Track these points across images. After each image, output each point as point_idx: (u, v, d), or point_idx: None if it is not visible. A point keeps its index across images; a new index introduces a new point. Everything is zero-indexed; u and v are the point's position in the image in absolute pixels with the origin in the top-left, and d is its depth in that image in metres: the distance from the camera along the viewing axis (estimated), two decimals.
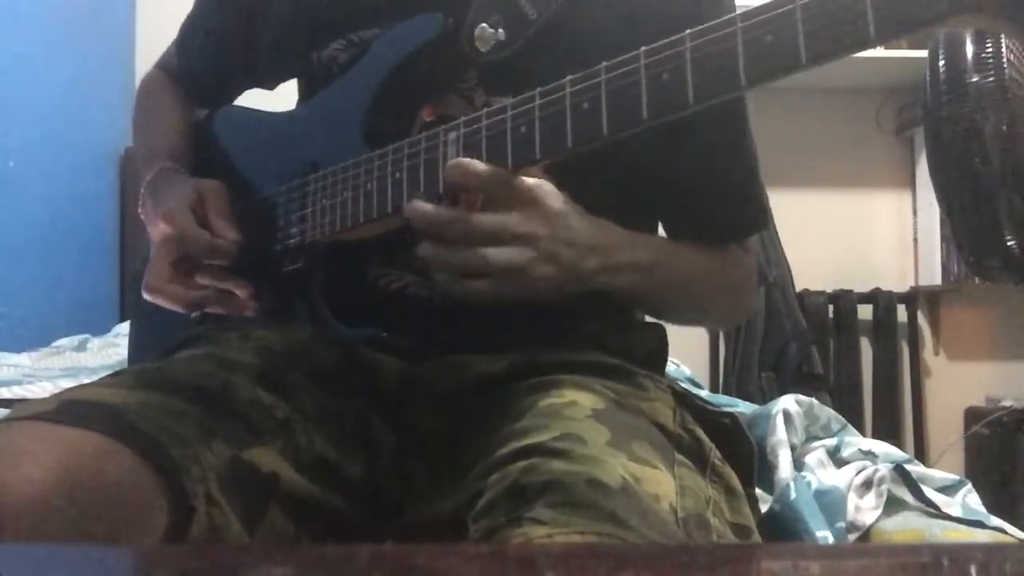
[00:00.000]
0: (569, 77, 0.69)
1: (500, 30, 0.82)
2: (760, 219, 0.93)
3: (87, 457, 0.56)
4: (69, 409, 0.60)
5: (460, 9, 0.83)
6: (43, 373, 1.81)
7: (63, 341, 2.21)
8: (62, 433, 0.58)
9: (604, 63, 0.68)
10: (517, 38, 0.82)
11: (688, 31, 0.64)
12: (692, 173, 0.88)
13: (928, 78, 2.13)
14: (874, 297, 3.17)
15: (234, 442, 0.64)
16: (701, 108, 0.64)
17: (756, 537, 0.71)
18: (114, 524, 0.55)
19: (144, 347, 1.06)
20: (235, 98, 1.08)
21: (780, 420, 1.05)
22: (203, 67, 1.07)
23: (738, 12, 0.62)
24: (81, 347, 2.17)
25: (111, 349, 2.10)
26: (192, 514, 0.58)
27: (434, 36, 0.83)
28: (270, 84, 1.07)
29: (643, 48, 0.66)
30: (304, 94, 0.99)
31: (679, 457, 0.68)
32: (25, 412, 0.61)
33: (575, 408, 0.67)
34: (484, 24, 0.82)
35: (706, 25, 0.63)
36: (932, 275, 3.12)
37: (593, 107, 0.68)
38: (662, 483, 0.62)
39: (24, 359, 1.99)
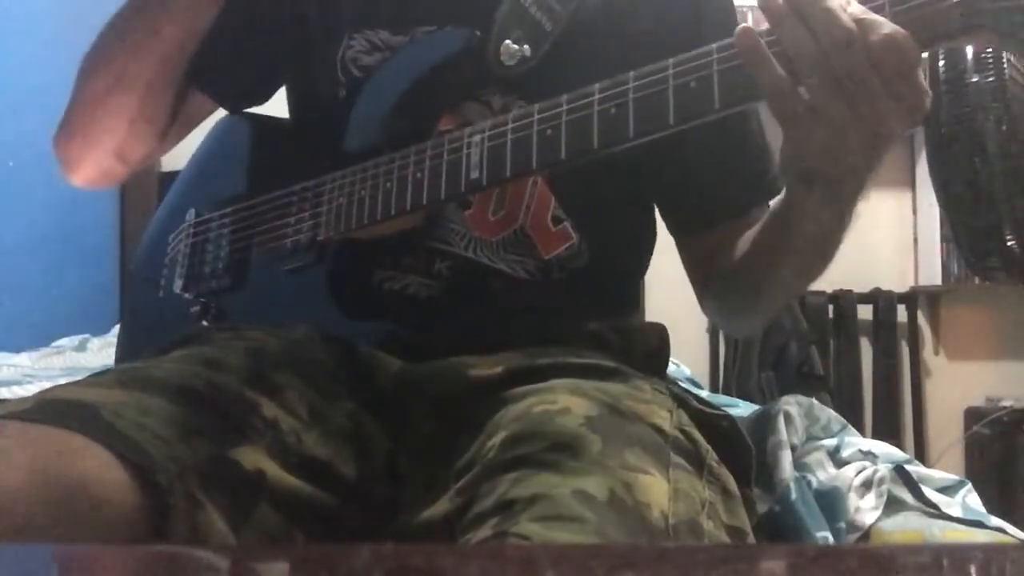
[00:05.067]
0: (597, 84, 0.72)
1: (525, 46, 0.85)
2: (772, 186, 0.94)
3: (60, 455, 0.56)
4: (45, 408, 0.60)
5: (485, 23, 0.86)
6: (43, 373, 1.81)
7: (63, 341, 2.21)
8: (36, 431, 0.57)
9: (632, 72, 0.71)
10: (538, 51, 0.85)
11: (715, 44, 0.68)
12: (697, 146, 0.89)
13: (928, 78, 2.13)
14: (874, 297, 3.17)
15: (217, 441, 0.64)
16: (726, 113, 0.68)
17: (751, 540, 0.71)
18: (88, 522, 0.55)
19: (133, 348, 1.05)
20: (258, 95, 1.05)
21: (780, 420, 1.05)
22: (227, 61, 1.00)
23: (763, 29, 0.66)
24: (81, 347, 2.17)
25: (111, 349, 2.09)
26: (170, 512, 0.58)
27: (462, 50, 0.85)
28: (287, 83, 1.03)
29: (671, 59, 0.70)
30: (321, 94, 0.96)
31: (675, 459, 0.68)
32: (2, 411, 0.60)
33: (568, 416, 0.67)
34: (508, 40, 0.85)
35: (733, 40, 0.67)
36: (932, 275, 3.12)
37: (620, 112, 0.71)
38: (654, 489, 0.62)
39: (24, 359, 1.98)
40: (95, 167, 0.98)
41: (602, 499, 0.58)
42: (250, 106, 1.04)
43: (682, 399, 0.80)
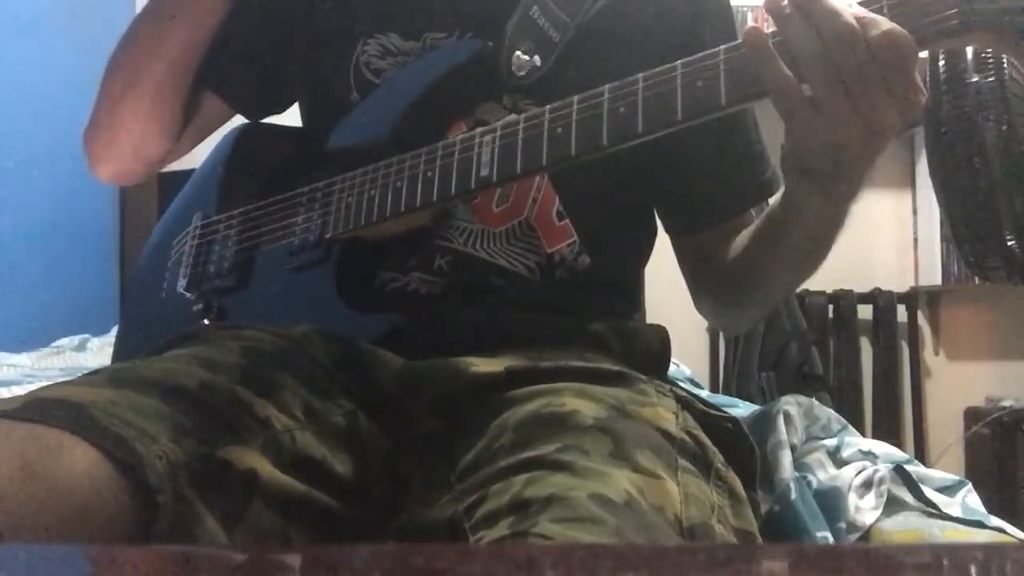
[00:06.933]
0: (607, 86, 0.75)
1: (536, 57, 0.88)
2: (767, 187, 0.96)
3: (45, 452, 0.56)
4: (34, 406, 0.60)
5: (495, 33, 0.89)
6: (43, 373, 1.81)
7: (63, 341, 2.21)
8: (22, 429, 0.57)
9: (641, 74, 0.73)
10: (546, 61, 0.88)
11: (721, 47, 0.71)
12: (695, 148, 0.92)
13: (928, 78, 2.13)
14: (874, 297, 3.17)
15: (208, 440, 0.64)
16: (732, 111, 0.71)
17: (758, 541, 0.71)
18: (73, 519, 0.55)
19: (131, 352, 1.05)
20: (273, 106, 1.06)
21: (780, 420, 1.05)
22: (239, 64, 1.03)
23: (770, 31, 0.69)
24: (81, 347, 2.17)
25: (111, 349, 2.09)
26: (159, 510, 0.58)
27: (474, 60, 0.88)
28: (300, 89, 1.04)
29: (679, 61, 0.72)
30: (333, 98, 0.97)
31: (683, 463, 0.68)
32: None
33: (577, 417, 0.68)
34: (519, 52, 0.88)
35: (741, 43, 0.70)
36: (932, 275, 3.12)
37: (630, 109, 0.73)
38: (666, 493, 0.62)
39: (24, 359, 1.98)
40: (116, 164, 1.03)
41: (620, 502, 0.58)
42: (267, 114, 1.06)
43: (687, 402, 0.80)
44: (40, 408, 0.59)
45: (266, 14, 1.00)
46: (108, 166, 1.03)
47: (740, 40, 0.70)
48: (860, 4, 0.67)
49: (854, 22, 0.64)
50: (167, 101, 0.98)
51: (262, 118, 1.06)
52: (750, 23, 0.77)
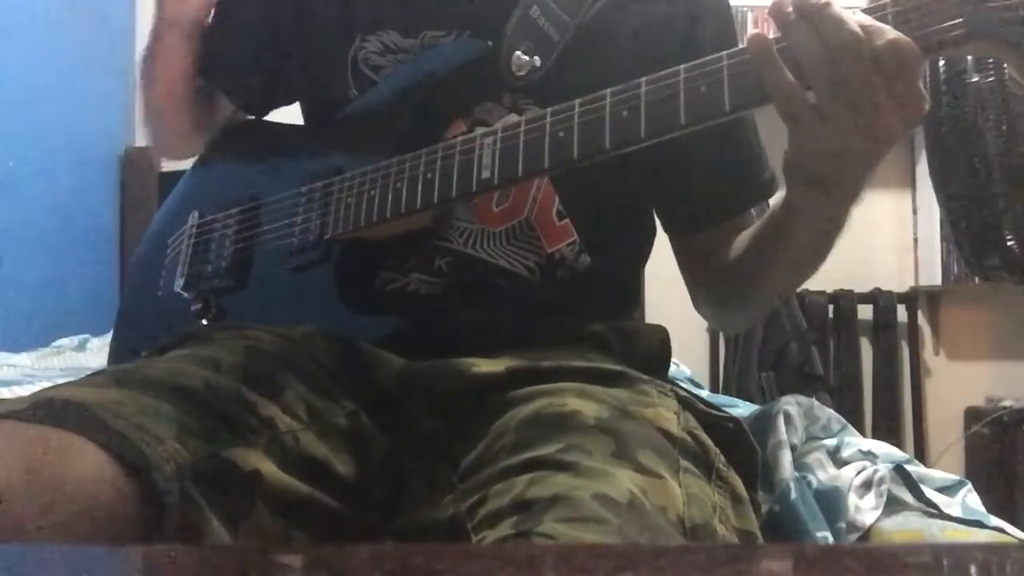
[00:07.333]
0: (609, 89, 0.74)
1: (535, 57, 0.88)
2: (766, 188, 0.97)
3: (53, 453, 0.56)
4: (41, 407, 0.60)
5: (495, 32, 0.88)
6: (43, 373, 1.81)
7: (63, 341, 2.21)
8: (29, 430, 0.57)
9: (644, 78, 0.73)
10: (546, 61, 0.88)
11: (725, 52, 0.70)
12: (694, 149, 0.91)
13: (928, 77, 2.13)
14: (874, 297, 3.17)
15: (213, 440, 0.64)
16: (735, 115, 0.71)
17: (760, 542, 0.71)
18: (83, 521, 0.55)
19: (128, 350, 1.05)
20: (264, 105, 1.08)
21: (780, 420, 1.05)
22: (235, 69, 1.04)
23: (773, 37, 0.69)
24: (81, 347, 2.17)
25: None
26: (166, 511, 0.58)
27: (474, 59, 0.88)
28: (298, 85, 1.04)
29: (682, 66, 0.72)
30: (332, 96, 0.97)
31: (684, 463, 0.68)
32: None
33: (579, 418, 0.68)
34: (519, 52, 0.88)
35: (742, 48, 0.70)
36: (932, 275, 3.13)
37: (632, 114, 0.73)
38: (668, 493, 0.62)
39: (24, 359, 1.99)
40: (166, 151, 1.17)
41: (623, 502, 0.58)
42: (268, 110, 1.07)
43: (688, 402, 0.80)
44: (47, 409, 0.59)
45: (265, 11, 1.01)
46: (163, 150, 1.18)
47: (740, 41, 0.70)
48: (865, 12, 0.67)
49: (859, 30, 0.65)
50: (177, 100, 1.03)
51: (265, 114, 1.06)
52: (750, 24, 0.77)
